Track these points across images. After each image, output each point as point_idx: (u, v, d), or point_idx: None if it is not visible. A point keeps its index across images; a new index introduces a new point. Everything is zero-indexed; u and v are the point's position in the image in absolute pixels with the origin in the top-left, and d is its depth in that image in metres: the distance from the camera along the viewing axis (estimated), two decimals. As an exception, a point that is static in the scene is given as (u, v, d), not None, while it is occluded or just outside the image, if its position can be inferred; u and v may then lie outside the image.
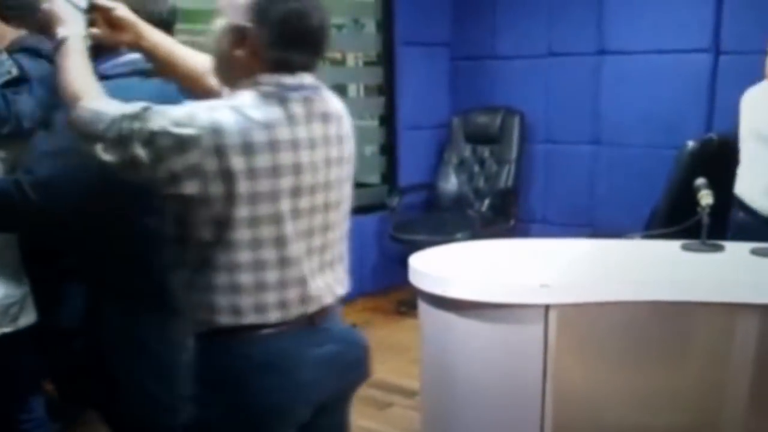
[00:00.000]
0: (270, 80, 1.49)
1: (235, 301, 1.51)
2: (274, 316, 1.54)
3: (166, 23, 1.96)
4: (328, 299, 1.64)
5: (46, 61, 1.95)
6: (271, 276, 1.52)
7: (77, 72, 1.58)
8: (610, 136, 4.61)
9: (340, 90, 5.59)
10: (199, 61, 1.83)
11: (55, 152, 1.84)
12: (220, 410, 1.57)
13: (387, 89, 5.08)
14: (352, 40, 5.46)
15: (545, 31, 4.82)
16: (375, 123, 5.25)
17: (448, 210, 5.04)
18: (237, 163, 1.42)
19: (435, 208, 5.15)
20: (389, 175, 5.19)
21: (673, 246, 2.61)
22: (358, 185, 5.23)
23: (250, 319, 1.52)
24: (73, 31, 1.66)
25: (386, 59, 5.05)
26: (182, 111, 1.45)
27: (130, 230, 1.97)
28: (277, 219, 1.49)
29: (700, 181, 2.60)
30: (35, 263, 2.13)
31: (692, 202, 2.58)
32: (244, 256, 1.48)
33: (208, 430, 1.62)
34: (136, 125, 1.43)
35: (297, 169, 1.49)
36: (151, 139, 1.41)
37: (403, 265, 2.49)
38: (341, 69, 5.60)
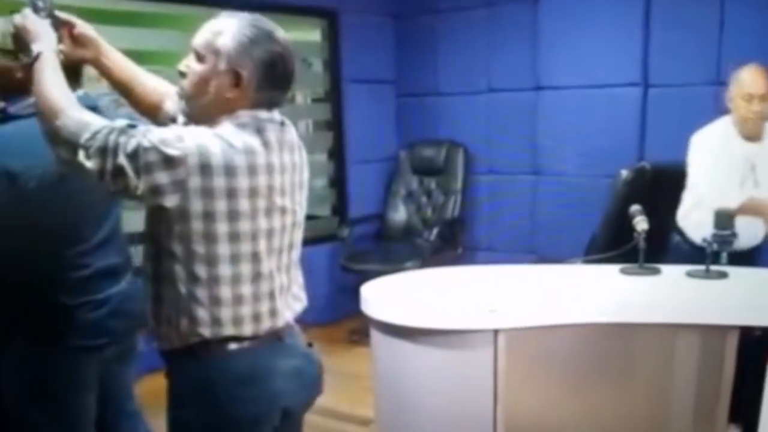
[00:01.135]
0: (247, 114, 1.57)
1: (216, 313, 1.56)
2: (248, 328, 1.59)
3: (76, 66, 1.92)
4: (290, 315, 1.71)
5: None
6: (246, 289, 1.57)
7: (55, 85, 1.58)
8: (548, 166, 4.67)
9: (290, 126, 5.56)
10: (158, 85, 1.89)
11: None
12: (199, 424, 1.61)
13: (335, 125, 5.07)
14: (300, 78, 5.41)
15: (484, 68, 4.89)
16: (324, 157, 5.22)
17: (398, 240, 5.02)
18: (219, 182, 1.48)
19: (385, 239, 5.12)
20: (339, 207, 5.15)
21: (612, 270, 2.63)
22: (309, 217, 5.21)
23: (228, 330, 1.57)
24: (47, 45, 1.66)
25: (334, 96, 5.04)
26: (169, 132, 1.50)
27: (49, 266, 1.91)
28: (253, 236, 1.56)
29: (635, 207, 2.63)
30: None
31: (628, 228, 2.60)
32: (224, 269, 1.54)
33: None
34: (123, 138, 1.46)
35: (271, 190, 1.57)
36: (136, 153, 1.45)
37: (355, 295, 2.45)
38: (290, 106, 5.56)
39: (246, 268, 1.56)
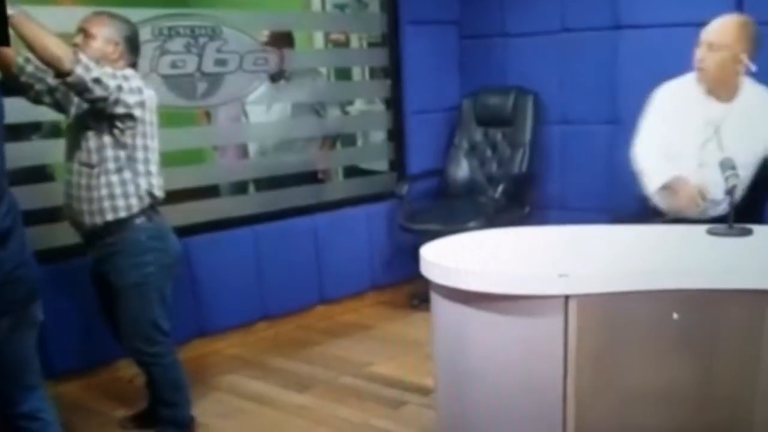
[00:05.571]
0: (132, 71, 2.89)
1: (153, 181, 2.90)
2: (162, 194, 2.95)
3: None
4: None
5: None
6: (158, 169, 2.93)
7: (48, 32, 2.47)
8: (628, 114, 4.54)
9: (344, 73, 5.57)
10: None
11: None
12: (158, 262, 2.91)
13: (393, 71, 5.05)
14: (355, 21, 5.43)
15: (558, 5, 4.78)
16: (381, 107, 5.23)
17: (460, 197, 5.02)
18: (151, 104, 2.86)
19: (446, 196, 5.13)
20: (397, 162, 5.17)
21: (699, 230, 2.59)
22: (366, 173, 5.26)
23: (159, 192, 2.92)
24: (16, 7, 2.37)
25: (391, 40, 5.01)
26: (129, 73, 2.82)
27: None
28: (153, 135, 2.90)
29: (726, 159, 2.56)
30: None
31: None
32: (154, 155, 2.90)
33: (149, 283, 2.89)
34: (113, 71, 2.71)
35: (152, 110, 2.88)
36: (125, 80, 2.74)
37: (415, 257, 2.48)
38: (345, 51, 5.56)
39: (157, 157, 2.90)
